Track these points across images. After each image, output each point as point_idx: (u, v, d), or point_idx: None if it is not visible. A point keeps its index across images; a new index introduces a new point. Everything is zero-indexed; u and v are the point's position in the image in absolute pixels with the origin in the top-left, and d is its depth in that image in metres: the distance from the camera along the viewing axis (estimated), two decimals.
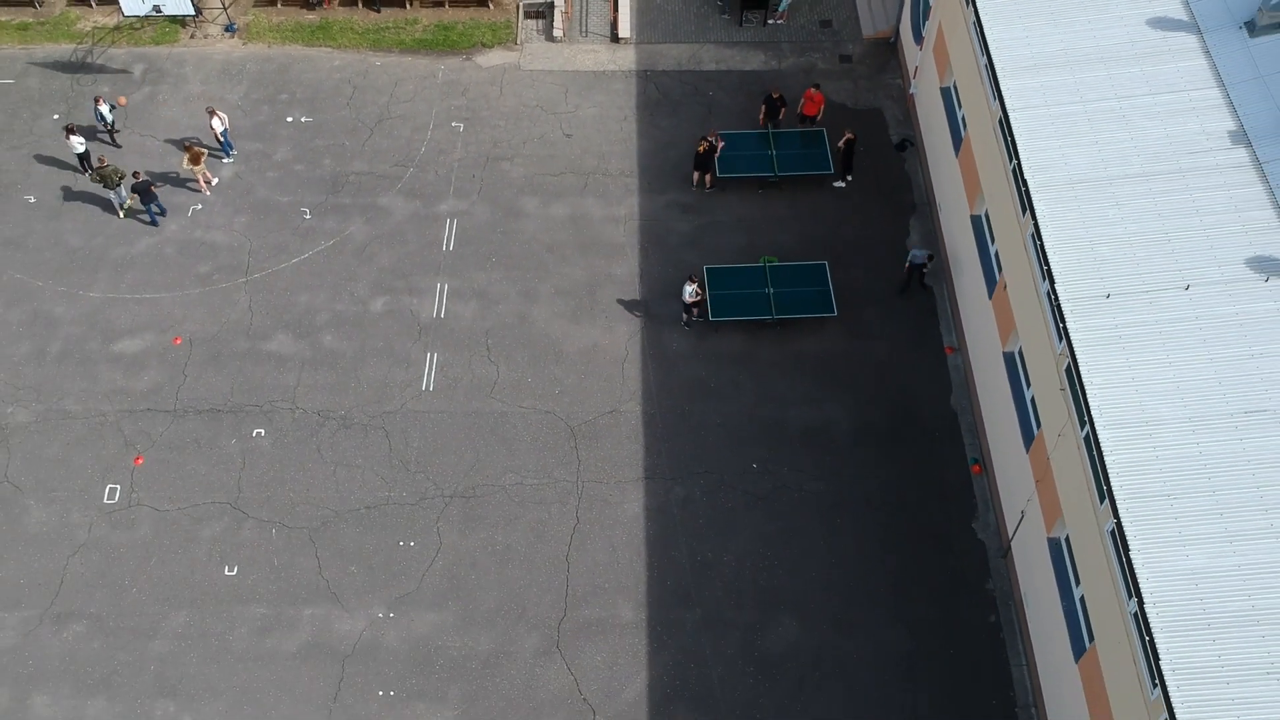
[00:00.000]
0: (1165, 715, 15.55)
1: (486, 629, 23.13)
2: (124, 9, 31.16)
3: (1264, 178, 20.35)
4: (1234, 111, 21.35)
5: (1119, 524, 17.02)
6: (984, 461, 25.08)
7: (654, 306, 27.79)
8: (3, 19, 33.68)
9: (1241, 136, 21.00)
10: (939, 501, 24.81)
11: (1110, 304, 19.31)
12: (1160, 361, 18.61)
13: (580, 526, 24.39)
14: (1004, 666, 22.69)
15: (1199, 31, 22.69)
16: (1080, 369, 18.73)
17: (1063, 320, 19.30)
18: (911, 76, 31.17)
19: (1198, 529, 16.87)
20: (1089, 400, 18.34)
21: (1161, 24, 23.00)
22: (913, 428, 25.83)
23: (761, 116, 30.46)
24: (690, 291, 26.47)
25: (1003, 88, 22.59)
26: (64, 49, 33.11)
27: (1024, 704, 22.28)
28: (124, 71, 32.54)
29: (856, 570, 23.85)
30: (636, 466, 25.22)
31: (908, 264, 27.16)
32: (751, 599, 23.50)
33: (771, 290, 27.28)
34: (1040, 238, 20.33)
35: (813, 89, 30.25)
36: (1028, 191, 21.03)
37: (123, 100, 30.71)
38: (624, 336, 27.26)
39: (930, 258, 27.11)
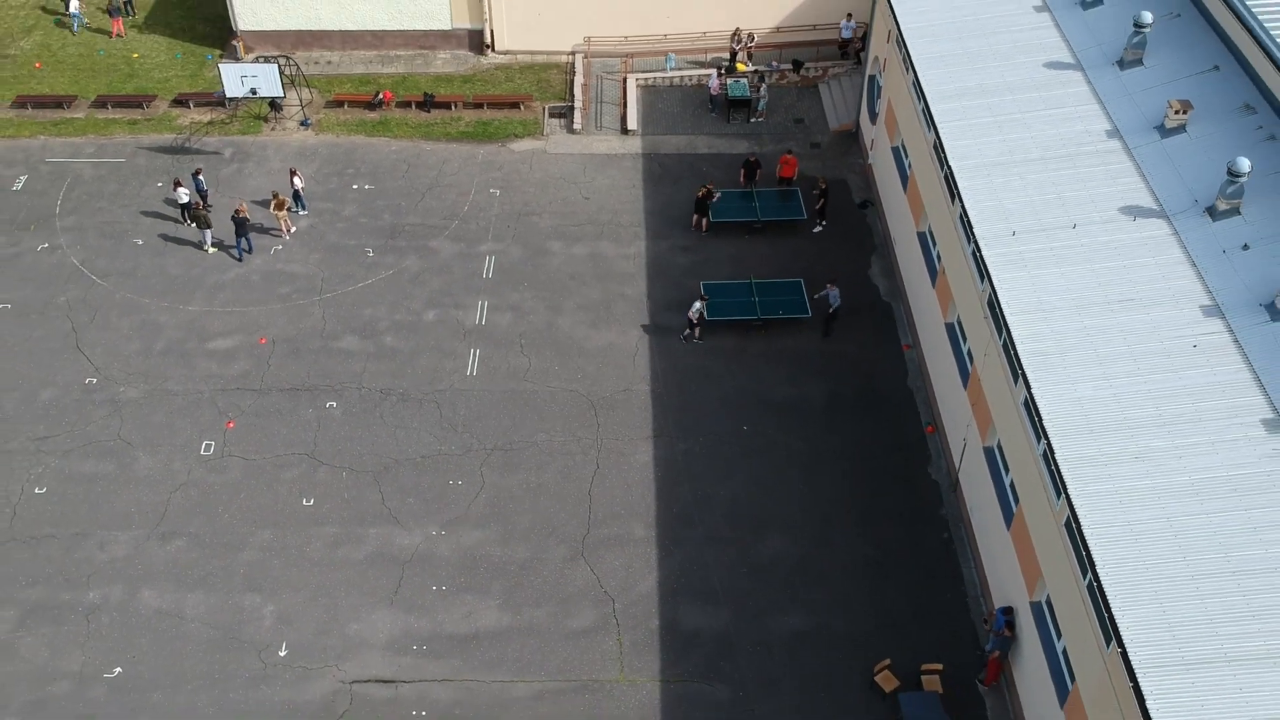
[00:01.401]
0: (1080, 557, 20.31)
1: (523, 542, 27.59)
2: (226, 91, 38.04)
3: (1132, 157, 26.40)
4: (1109, 117, 27.64)
5: (1030, 395, 22.07)
6: (936, 423, 30.12)
7: (659, 317, 33.34)
8: (118, 116, 40.55)
9: (1115, 133, 27.21)
10: (899, 452, 29.71)
11: (1016, 239, 25.02)
12: (1056, 276, 24.13)
13: (600, 471, 29.16)
14: (956, 566, 27.11)
15: (1082, 69, 29.27)
16: (996, 291, 24.19)
17: (980, 251, 24.94)
18: (869, 149, 37.88)
19: (1085, 375, 21.99)
20: (1003, 310, 23.72)
21: (1054, 65, 29.63)
22: (876, 401, 30.98)
23: (742, 178, 36.92)
24: (698, 307, 32.04)
25: (932, 110, 29.00)
26: (166, 138, 39.83)
27: (973, 595, 26.58)
28: (216, 154, 39.14)
29: (832, 503, 28.50)
30: (646, 428, 30.18)
31: (830, 306, 32.41)
32: (745, 522, 28.07)
33: (757, 299, 32.95)
34: (964, 204, 26.22)
35: (788, 154, 36.84)
36: (952, 174, 27.08)
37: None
38: (634, 338, 32.71)
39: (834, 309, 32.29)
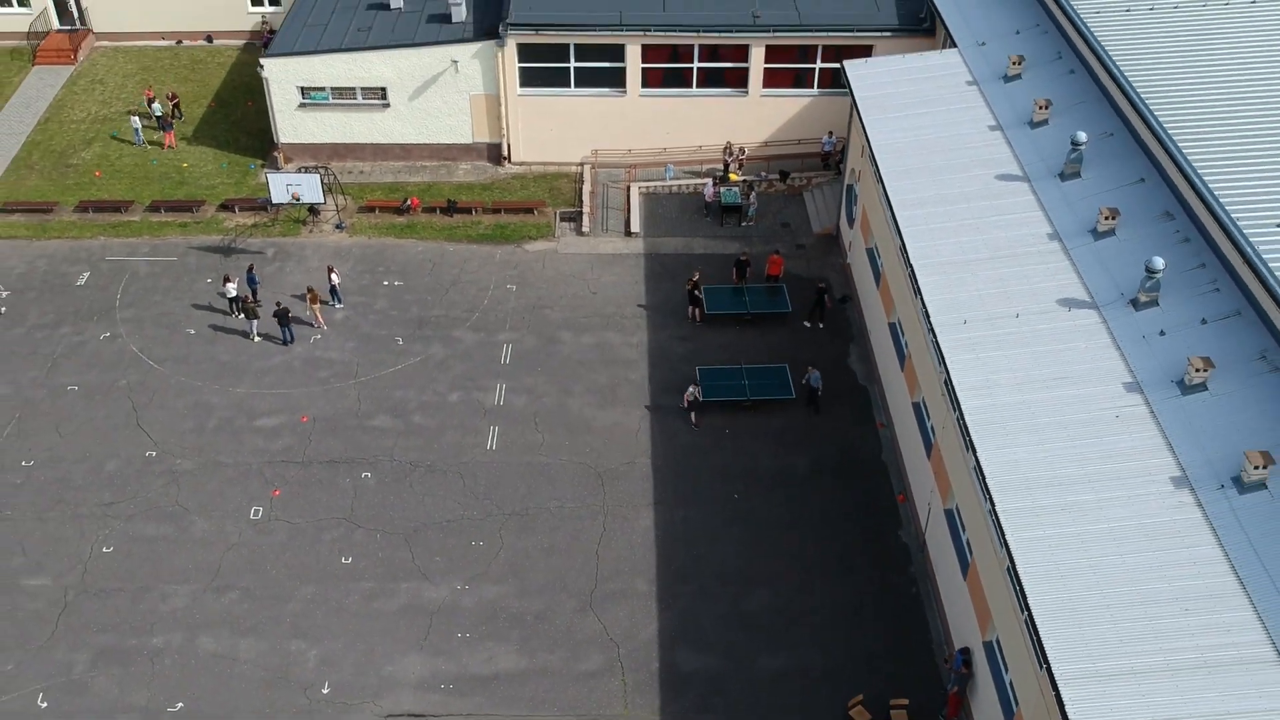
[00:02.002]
0: (1017, 594, 23.88)
1: (537, 596, 31.01)
2: (272, 198, 42.42)
3: (1069, 256, 30.46)
4: (1051, 222, 31.79)
5: (976, 460, 25.80)
6: (906, 492, 33.72)
7: (659, 399, 37.14)
8: (170, 219, 44.89)
9: (1055, 235, 31.32)
10: (874, 518, 33.27)
11: (967, 326, 28.94)
12: (1001, 359, 27.95)
13: (606, 534, 32.69)
14: (921, 615, 30.49)
15: (1029, 180, 33.54)
16: (950, 372, 28.04)
17: (937, 338, 28.86)
18: (848, 250, 42.10)
19: (1023, 441, 25.69)
20: (955, 389, 27.53)
21: (1004, 177, 33.89)
22: (853, 472, 34.64)
23: (734, 275, 41.05)
24: (691, 391, 35.90)
25: (898, 216, 33.19)
26: (214, 238, 44.11)
27: (936, 639, 29.93)
28: (259, 253, 43.37)
29: (812, 561, 31.98)
30: (648, 496, 33.79)
31: (812, 388, 36.38)
32: (735, 578, 31.52)
33: (747, 382, 36.80)
34: (923, 298, 30.20)
35: (775, 254, 41.06)
36: (914, 272, 31.13)
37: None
38: (637, 417, 36.47)
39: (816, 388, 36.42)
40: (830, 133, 46.39)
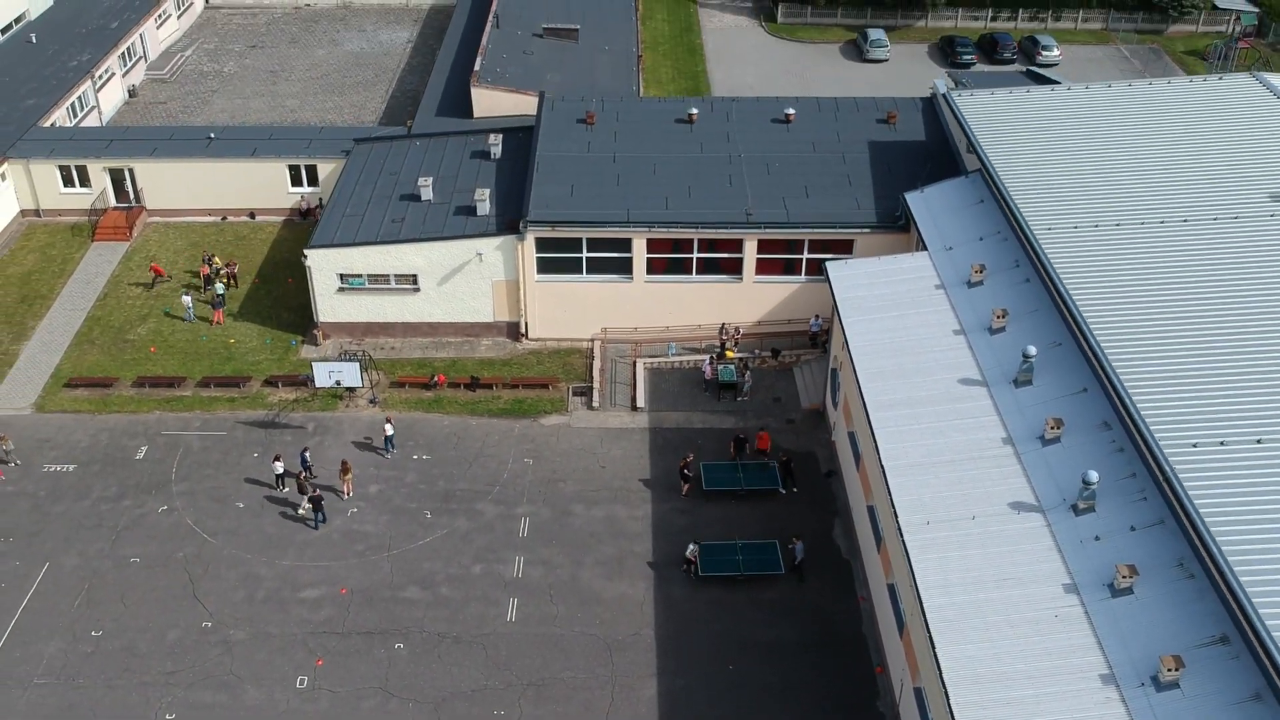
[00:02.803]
0: None
1: None
2: (316, 382, 47.15)
3: (1020, 461, 34.87)
4: (1005, 427, 36.27)
5: (934, 653, 29.89)
6: (884, 664, 37.66)
7: (663, 571, 41.29)
8: (219, 394, 49.58)
9: (1009, 440, 35.77)
10: (854, 687, 37.17)
11: (930, 527, 33.23)
12: (958, 559, 32.16)
13: (614, 704, 36.59)
14: None
15: (987, 385, 38.11)
16: (914, 571, 32.21)
17: (904, 538, 33.11)
18: (832, 427, 46.60)
19: (975, 638, 29.77)
20: (919, 587, 31.70)
21: (966, 381, 38.46)
22: (836, 643, 38.61)
23: (732, 450, 45.51)
24: (692, 548, 40.18)
25: (872, 418, 37.70)
26: (259, 413, 48.72)
27: None
28: (300, 428, 47.94)
29: None
30: (651, 667, 37.74)
31: (796, 559, 40.75)
32: None
33: (740, 557, 40.99)
34: (893, 499, 34.54)
35: (762, 431, 45.61)
36: (886, 473, 35.53)
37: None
38: (642, 589, 40.57)
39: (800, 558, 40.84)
40: (817, 315, 51.22)
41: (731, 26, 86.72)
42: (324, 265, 50.79)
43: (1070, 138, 48.59)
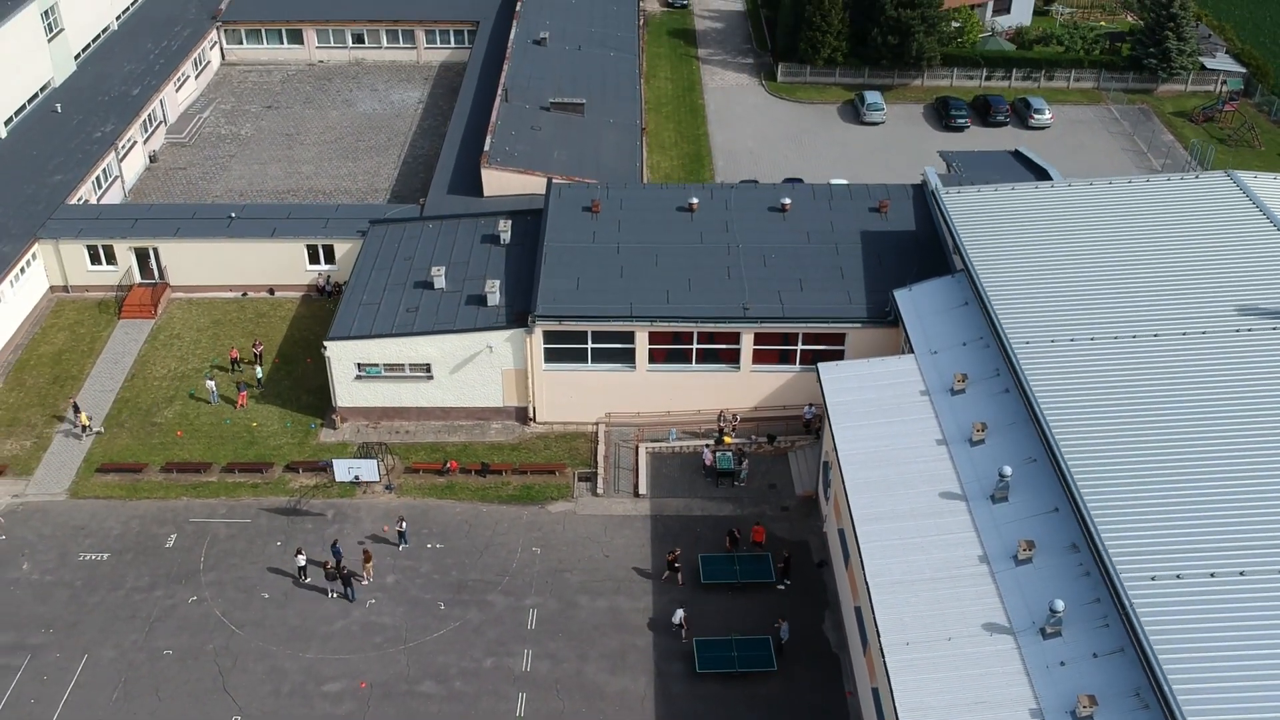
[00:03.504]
0: None
1: None
2: (336, 477, 49.93)
3: (994, 580, 37.49)
4: (982, 544, 38.89)
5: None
6: None
7: (662, 665, 43.98)
8: (243, 480, 52.36)
9: (985, 559, 38.39)
10: None
11: (909, 648, 35.84)
12: (933, 681, 34.79)
13: None
14: None
15: (966, 499, 40.72)
16: (894, 691, 34.82)
17: (885, 658, 35.76)
18: (824, 519, 49.25)
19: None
20: (897, 708, 34.33)
21: (946, 495, 41.08)
22: None
23: (727, 544, 48.20)
24: (680, 614, 43.07)
25: (858, 531, 40.32)
26: (281, 500, 51.46)
27: None
28: (320, 515, 50.68)
29: None
30: None
31: (781, 640, 43.57)
32: None
33: (736, 654, 43.68)
34: (875, 617, 37.15)
35: (757, 525, 48.31)
36: (869, 589, 38.17)
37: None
38: (643, 684, 43.26)
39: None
40: (810, 404, 53.82)
41: (733, 85, 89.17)
42: (342, 355, 53.48)
43: (1051, 240, 50.96)
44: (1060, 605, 34.83)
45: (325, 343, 53.31)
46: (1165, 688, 31.60)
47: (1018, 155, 65.15)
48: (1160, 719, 31.77)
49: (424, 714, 42.12)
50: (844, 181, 71.17)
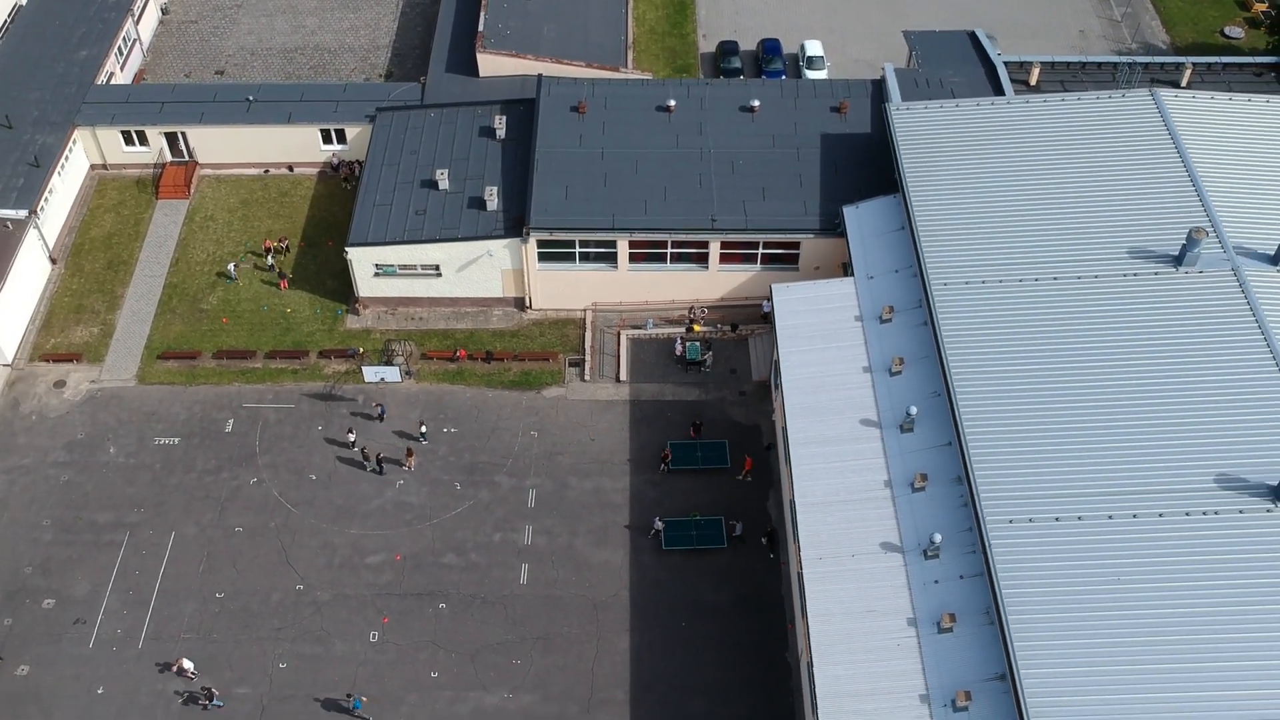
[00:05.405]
0: None
1: (555, 702, 49.65)
2: (365, 378, 59.20)
3: (894, 505, 47.43)
4: (888, 470, 48.48)
5: (812, 680, 43.64)
6: (794, 622, 51.79)
7: (635, 541, 54.81)
8: (284, 366, 61.56)
9: (889, 484, 48.04)
10: (770, 640, 51.52)
11: (822, 561, 46.30)
12: (837, 590, 45.39)
13: (598, 654, 51.09)
14: (789, 704, 49.30)
15: (880, 428, 49.93)
16: (807, 605, 45.44)
17: (802, 573, 46.22)
18: (775, 408, 58.92)
19: (842, 658, 43.50)
20: (809, 619, 45.00)
21: (865, 422, 50.25)
22: (761, 605, 52.62)
23: (691, 433, 58.04)
24: (657, 524, 53.71)
25: (792, 456, 49.92)
26: (318, 385, 60.86)
27: (800, 714, 48.80)
28: (352, 400, 60.22)
29: (732, 674, 50.40)
30: (625, 624, 51.97)
31: (735, 533, 54.19)
32: (682, 688, 50.05)
33: (694, 533, 54.45)
34: (799, 533, 47.37)
35: (748, 456, 57.60)
36: (796, 509, 48.21)
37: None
38: (621, 555, 54.25)
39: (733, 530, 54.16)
40: (768, 298, 62.01)
41: None
42: (362, 259, 61.39)
43: (986, 170, 57.05)
44: (938, 538, 44.95)
45: (346, 248, 61.03)
46: (1002, 608, 42.09)
47: (973, 39, 69.61)
48: (998, 634, 42.53)
49: (448, 583, 53.37)
50: (819, 46, 76.19)
